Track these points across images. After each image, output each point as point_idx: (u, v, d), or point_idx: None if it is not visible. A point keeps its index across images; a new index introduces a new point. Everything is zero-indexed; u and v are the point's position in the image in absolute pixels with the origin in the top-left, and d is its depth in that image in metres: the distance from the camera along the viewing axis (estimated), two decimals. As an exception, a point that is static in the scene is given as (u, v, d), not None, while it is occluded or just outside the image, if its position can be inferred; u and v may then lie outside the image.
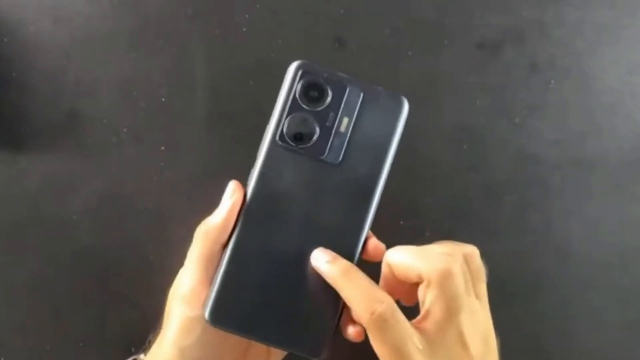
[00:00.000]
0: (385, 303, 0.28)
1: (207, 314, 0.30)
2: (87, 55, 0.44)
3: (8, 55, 0.44)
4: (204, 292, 0.31)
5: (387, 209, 0.46)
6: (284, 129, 0.31)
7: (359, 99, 0.32)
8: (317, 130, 0.31)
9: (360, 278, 0.30)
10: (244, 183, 0.32)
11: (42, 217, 0.45)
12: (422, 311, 0.30)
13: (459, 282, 0.30)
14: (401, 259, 0.31)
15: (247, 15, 0.44)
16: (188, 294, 0.31)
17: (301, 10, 0.45)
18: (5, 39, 0.44)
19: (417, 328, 0.29)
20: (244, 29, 0.45)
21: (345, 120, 0.32)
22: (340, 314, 0.32)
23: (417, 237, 0.46)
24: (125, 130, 0.45)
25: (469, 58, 0.45)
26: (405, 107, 0.32)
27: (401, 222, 0.46)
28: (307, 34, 0.45)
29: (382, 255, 0.32)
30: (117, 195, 0.45)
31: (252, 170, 0.32)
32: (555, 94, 0.46)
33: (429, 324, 0.29)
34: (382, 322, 0.28)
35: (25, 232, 0.45)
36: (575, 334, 0.47)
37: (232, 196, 0.31)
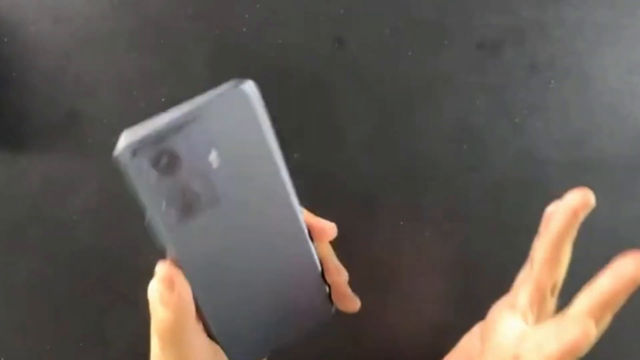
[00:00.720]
0: None
1: None
2: (87, 55, 0.44)
3: (8, 55, 0.44)
4: None
5: (387, 209, 0.46)
6: (171, 215, 0.28)
7: (206, 128, 0.27)
8: (198, 188, 0.28)
9: None
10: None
11: (42, 217, 0.45)
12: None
13: None
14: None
15: (247, 15, 0.44)
16: None
17: (301, 10, 0.45)
18: (5, 39, 0.44)
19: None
20: (244, 29, 0.45)
21: (212, 155, 0.28)
22: (322, 271, 0.32)
23: (417, 237, 0.46)
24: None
25: (469, 58, 0.45)
26: (248, 93, 0.27)
27: (401, 222, 0.46)
28: (307, 34, 0.45)
29: (328, 233, 0.32)
30: (117, 195, 0.45)
31: (167, 254, 0.29)
32: (555, 94, 0.46)
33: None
34: None
35: (25, 232, 0.45)
36: (575, 334, 0.47)
37: (172, 291, 0.28)
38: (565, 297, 0.49)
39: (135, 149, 0.27)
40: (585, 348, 0.29)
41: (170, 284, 0.28)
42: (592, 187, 0.47)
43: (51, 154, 0.44)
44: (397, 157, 0.46)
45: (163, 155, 0.27)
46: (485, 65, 0.45)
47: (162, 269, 0.29)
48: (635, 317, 0.48)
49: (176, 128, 0.27)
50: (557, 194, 0.47)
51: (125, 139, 0.28)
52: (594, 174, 0.46)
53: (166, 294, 0.28)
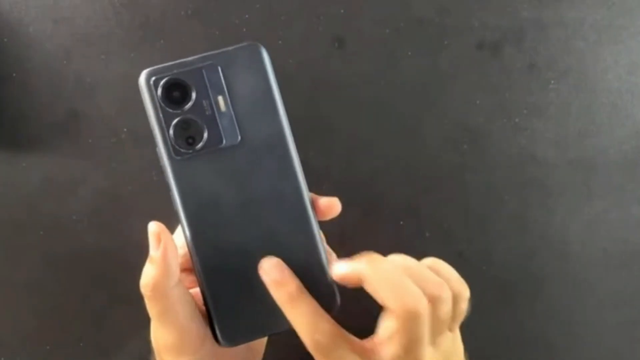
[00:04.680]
0: (327, 333, 0.28)
1: (221, 341, 0.31)
2: (87, 55, 0.44)
3: (8, 55, 0.44)
4: (186, 336, 0.30)
5: (387, 208, 0.46)
6: (173, 143, 0.30)
7: (219, 73, 0.30)
8: (203, 124, 0.30)
9: (305, 304, 0.29)
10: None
11: (42, 217, 0.45)
12: (379, 335, 0.29)
13: (423, 325, 0.28)
14: (370, 284, 0.29)
15: (247, 15, 0.44)
16: (176, 346, 0.30)
17: (301, 10, 0.45)
18: (5, 39, 0.44)
19: (371, 351, 0.28)
20: (244, 29, 0.45)
21: (220, 99, 0.30)
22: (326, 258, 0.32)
23: (417, 237, 0.46)
24: (125, 130, 0.45)
25: (469, 58, 0.45)
26: (262, 51, 0.31)
27: (401, 222, 0.46)
28: (307, 34, 0.45)
29: (336, 208, 0.32)
30: (117, 195, 0.45)
31: (171, 194, 0.31)
32: (555, 94, 0.46)
33: (383, 354, 0.28)
34: (324, 351, 0.28)
35: (25, 232, 0.45)
36: (575, 334, 0.47)
37: (158, 246, 0.29)
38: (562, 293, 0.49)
39: (155, 76, 0.30)
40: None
41: (157, 240, 0.29)
42: (592, 187, 0.47)
43: (51, 154, 0.44)
44: (397, 158, 0.46)
45: (176, 87, 0.30)
46: (485, 65, 0.45)
47: (152, 225, 0.30)
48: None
49: (193, 65, 0.30)
50: (557, 194, 0.47)
51: (148, 68, 0.30)
52: (594, 174, 0.46)
53: (151, 249, 0.30)
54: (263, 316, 0.31)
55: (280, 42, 0.45)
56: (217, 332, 0.31)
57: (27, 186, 0.44)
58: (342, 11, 0.45)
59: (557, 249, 0.47)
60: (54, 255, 0.45)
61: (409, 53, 0.45)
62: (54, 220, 0.45)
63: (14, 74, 0.44)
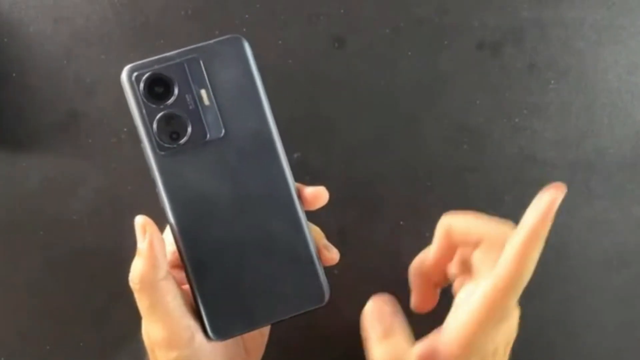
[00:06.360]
0: None
1: (210, 335, 0.31)
2: (87, 55, 0.44)
3: (8, 55, 0.44)
4: (176, 330, 0.30)
5: (387, 209, 0.46)
6: (157, 138, 0.30)
7: (201, 66, 0.30)
8: (186, 118, 0.30)
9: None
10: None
11: (42, 217, 0.45)
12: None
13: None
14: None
15: (247, 15, 0.44)
16: (166, 340, 0.30)
17: (301, 10, 0.45)
18: (5, 39, 0.44)
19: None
20: (244, 29, 0.45)
21: (203, 92, 0.30)
22: (318, 252, 0.32)
23: (417, 237, 0.46)
24: (125, 130, 0.45)
25: (469, 58, 0.45)
26: (244, 44, 0.31)
27: (401, 222, 0.46)
28: (307, 34, 0.45)
29: (323, 197, 0.32)
30: (117, 195, 0.45)
31: (157, 190, 0.31)
32: (555, 94, 0.46)
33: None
34: None
35: (25, 232, 0.45)
36: (575, 334, 0.47)
37: (144, 238, 0.29)
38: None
39: (133, 71, 0.30)
40: (518, 284, 0.31)
41: (143, 232, 0.29)
42: (592, 187, 0.47)
43: (51, 154, 0.45)
44: (397, 157, 0.46)
45: (158, 82, 0.30)
46: (485, 65, 0.45)
47: (138, 218, 0.30)
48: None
49: (174, 59, 0.30)
50: (557, 194, 0.47)
51: (130, 64, 0.30)
52: (594, 174, 0.46)
53: (138, 242, 0.30)
54: (251, 310, 0.31)
55: (280, 42, 0.45)
56: (207, 326, 0.31)
57: (27, 186, 0.45)
58: (342, 11, 0.45)
59: (557, 249, 0.46)
60: (54, 255, 0.45)
61: (409, 53, 0.45)
62: (54, 220, 0.45)
63: (14, 74, 0.44)
